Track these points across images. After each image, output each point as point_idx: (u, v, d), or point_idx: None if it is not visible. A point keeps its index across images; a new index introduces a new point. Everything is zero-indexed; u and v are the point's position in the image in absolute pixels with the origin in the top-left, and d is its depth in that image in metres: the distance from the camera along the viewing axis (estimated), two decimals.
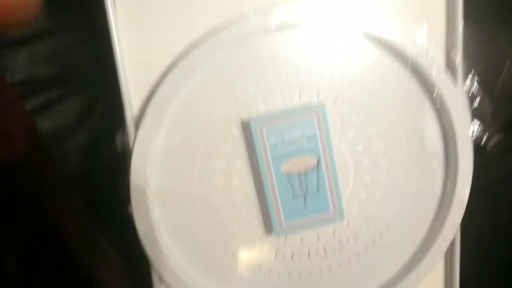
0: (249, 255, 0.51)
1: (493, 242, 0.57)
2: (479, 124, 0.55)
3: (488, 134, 0.54)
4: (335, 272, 0.53)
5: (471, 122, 0.54)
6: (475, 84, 0.55)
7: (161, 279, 0.50)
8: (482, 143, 0.56)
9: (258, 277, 0.51)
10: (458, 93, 0.52)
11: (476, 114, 0.56)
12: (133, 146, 0.46)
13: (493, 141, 0.55)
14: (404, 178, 0.53)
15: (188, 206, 0.50)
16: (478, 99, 0.54)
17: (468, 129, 0.53)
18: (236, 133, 0.49)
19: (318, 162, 0.49)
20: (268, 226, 0.51)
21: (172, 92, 0.47)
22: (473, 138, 0.53)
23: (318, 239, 0.52)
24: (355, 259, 0.53)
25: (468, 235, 0.55)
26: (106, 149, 0.50)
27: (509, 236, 0.56)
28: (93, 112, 0.54)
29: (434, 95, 0.51)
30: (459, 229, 0.54)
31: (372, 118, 0.51)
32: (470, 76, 0.54)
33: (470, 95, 0.56)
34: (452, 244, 0.54)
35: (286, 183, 0.49)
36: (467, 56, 0.53)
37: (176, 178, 0.49)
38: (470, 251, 0.56)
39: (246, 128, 0.49)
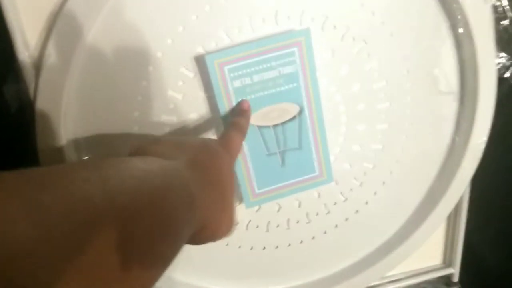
0: None
1: (503, 200, 0.49)
2: (506, 51, 0.43)
3: None
4: (320, 241, 0.44)
5: (497, 51, 0.41)
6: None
7: None
8: (507, 74, 0.44)
9: (226, 253, 0.42)
10: (485, 10, 0.39)
11: (502, 38, 0.43)
12: (35, 99, 0.32)
13: None
14: (407, 125, 0.42)
15: None
16: (509, 18, 0.41)
17: (493, 59, 0.40)
18: (188, 73, 0.35)
19: (300, 111, 0.37)
20: (237, 194, 0.39)
21: (84, 18, 0.31)
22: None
23: (299, 205, 0.42)
24: (344, 225, 0.44)
25: (474, 191, 0.46)
26: None
27: None
28: None
29: (456, 14, 0.37)
30: (468, 186, 0.45)
31: (373, 47, 0.38)
32: None
33: (497, 13, 0.43)
34: (458, 202, 0.45)
35: (258, 139, 0.37)
36: None
37: (104, 141, 0.35)
38: (475, 211, 0.47)
39: (201, 66, 0.35)
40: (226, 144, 0.27)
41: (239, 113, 0.34)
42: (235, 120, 0.32)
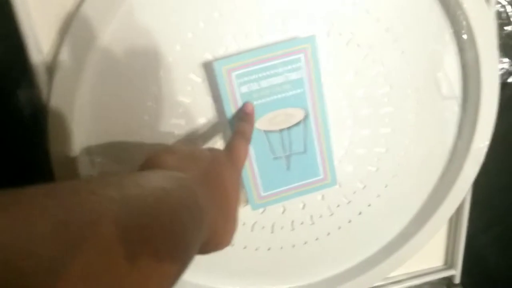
0: None
1: (505, 202, 0.49)
2: (509, 56, 0.44)
3: None
4: (323, 242, 0.45)
5: (499, 56, 0.42)
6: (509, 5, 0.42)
7: None
8: (510, 80, 0.45)
9: (232, 253, 0.43)
10: (489, 16, 0.39)
11: (505, 43, 0.44)
12: (48, 103, 0.33)
13: None
14: (411, 129, 0.42)
15: None
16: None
17: (496, 63, 0.41)
18: (196, 79, 0.36)
19: (306, 116, 0.37)
20: (243, 196, 0.40)
21: (97, 24, 0.32)
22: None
23: (303, 207, 0.43)
24: (347, 226, 0.45)
25: (476, 193, 0.47)
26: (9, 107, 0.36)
27: None
28: None
29: (460, 20, 0.38)
30: (470, 189, 0.46)
31: (378, 53, 0.38)
32: None
33: (501, 19, 0.43)
34: (460, 205, 0.46)
35: (264, 144, 0.38)
36: None
37: (115, 145, 0.36)
38: (477, 213, 0.48)
39: (209, 72, 0.36)
40: (233, 156, 0.28)
41: (243, 118, 0.35)
42: (239, 128, 0.33)
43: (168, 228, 0.17)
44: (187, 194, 0.20)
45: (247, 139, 0.32)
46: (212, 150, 0.28)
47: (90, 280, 0.13)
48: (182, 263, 0.18)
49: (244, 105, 0.36)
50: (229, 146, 0.30)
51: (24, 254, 0.12)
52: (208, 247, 0.23)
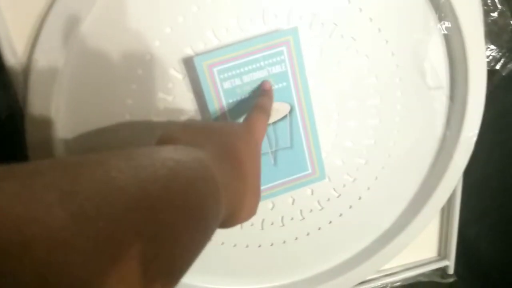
0: None
1: (497, 192, 0.49)
2: (495, 43, 0.43)
3: (505, 57, 0.43)
4: (315, 237, 0.44)
5: (486, 42, 0.41)
6: None
7: None
8: (497, 67, 0.44)
9: (222, 252, 0.42)
10: (474, 2, 0.39)
11: (491, 30, 0.43)
12: (24, 104, 0.32)
13: (511, 66, 0.43)
14: (398, 120, 0.42)
15: None
16: (498, 11, 0.41)
17: (483, 51, 0.40)
18: (177, 76, 0.35)
19: (291, 110, 0.37)
20: None
21: (70, 23, 0.31)
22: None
23: (293, 202, 0.42)
24: (338, 220, 0.44)
25: (468, 183, 0.47)
26: None
27: None
28: None
29: (445, 8, 0.37)
30: (461, 179, 0.45)
31: (362, 43, 0.38)
32: None
33: (486, 5, 0.43)
34: (451, 195, 0.46)
35: None
36: None
37: (96, 145, 0.35)
38: (469, 203, 0.47)
39: (190, 68, 0.35)
40: (251, 128, 0.28)
41: (262, 93, 0.35)
42: (258, 101, 0.32)
43: (183, 199, 0.16)
44: (202, 167, 0.19)
45: (266, 113, 0.32)
46: (228, 124, 0.27)
47: (99, 251, 0.13)
48: (200, 236, 0.18)
49: (262, 83, 0.35)
50: (248, 118, 0.29)
51: (29, 220, 0.11)
52: (229, 221, 0.23)
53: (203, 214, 0.18)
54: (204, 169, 0.19)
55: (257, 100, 0.33)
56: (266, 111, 0.32)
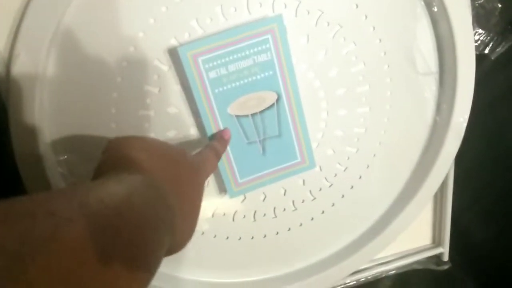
0: (199, 222, 0.40)
1: (490, 176, 0.49)
2: (483, 27, 0.43)
3: (494, 41, 0.42)
4: (307, 228, 0.44)
5: (474, 27, 0.41)
6: None
7: None
8: (486, 51, 0.44)
9: (214, 245, 0.42)
10: None
11: (479, 14, 0.43)
12: (7, 101, 0.32)
13: (499, 50, 0.43)
14: (388, 107, 0.42)
15: None
16: None
17: (471, 36, 0.40)
18: (163, 67, 0.35)
19: (278, 98, 0.37)
20: (221, 185, 0.40)
21: (51, 15, 0.31)
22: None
23: (284, 193, 0.42)
24: (331, 210, 0.44)
25: (460, 169, 0.46)
26: None
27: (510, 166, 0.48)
28: None
29: None
30: (453, 164, 0.45)
31: (349, 30, 0.38)
32: None
33: None
34: (444, 181, 0.46)
35: (237, 129, 0.37)
36: None
37: (82, 140, 0.35)
38: (462, 190, 0.47)
39: (175, 58, 0.35)
40: (202, 163, 0.29)
41: (219, 140, 0.35)
42: (213, 144, 0.33)
43: (137, 225, 0.17)
44: (153, 192, 0.20)
45: (217, 156, 0.32)
46: (186, 154, 0.27)
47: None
48: (154, 255, 0.18)
49: (224, 130, 0.36)
50: (200, 154, 0.30)
51: None
52: (173, 247, 0.22)
53: (154, 237, 0.18)
54: (156, 193, 0.20)
55: (213, 143, 0.33)
56: (218, 155, 0.32)
